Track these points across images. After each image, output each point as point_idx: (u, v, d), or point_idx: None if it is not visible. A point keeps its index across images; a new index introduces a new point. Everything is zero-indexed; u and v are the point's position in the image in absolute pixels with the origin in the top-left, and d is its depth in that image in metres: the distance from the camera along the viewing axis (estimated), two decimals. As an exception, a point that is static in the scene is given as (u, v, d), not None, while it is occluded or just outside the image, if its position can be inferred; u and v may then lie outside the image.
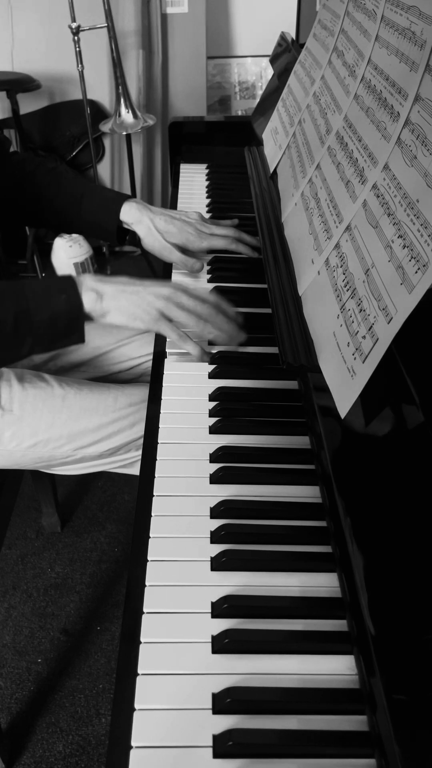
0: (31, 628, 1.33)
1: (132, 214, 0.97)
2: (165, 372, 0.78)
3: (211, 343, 0.82)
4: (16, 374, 0.93)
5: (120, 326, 0.76)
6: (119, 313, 0.75)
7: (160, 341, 0.83)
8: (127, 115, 2.16)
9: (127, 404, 0.95)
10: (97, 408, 0.93)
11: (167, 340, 0.82)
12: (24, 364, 1.05)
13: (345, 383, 0.57)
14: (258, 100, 1.56)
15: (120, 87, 2.12)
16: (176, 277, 0.99)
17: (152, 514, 0.60)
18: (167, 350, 0.81)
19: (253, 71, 2.58)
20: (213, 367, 0.79)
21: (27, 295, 0.71)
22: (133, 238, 1.03)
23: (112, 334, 1.07)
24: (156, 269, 2.26)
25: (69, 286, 0.73)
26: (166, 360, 0.80)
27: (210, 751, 0.44)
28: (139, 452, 0.80)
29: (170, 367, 0.79)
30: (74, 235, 2.21)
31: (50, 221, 1.06)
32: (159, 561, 0.56)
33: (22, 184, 1.02)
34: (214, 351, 0.81)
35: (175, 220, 0.97)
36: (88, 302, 0.73)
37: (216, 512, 0.60)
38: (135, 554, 0.57)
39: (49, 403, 0.91)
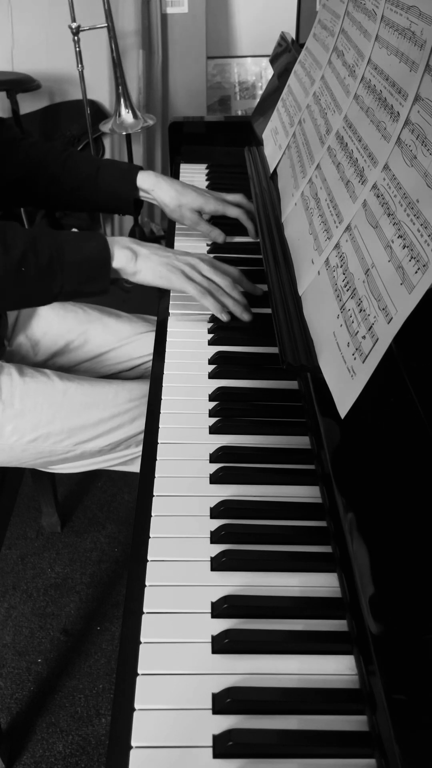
0: (31, 628, 1.33)
1: (149, 180, 1.02)
2: (165, 372, 0.78)
3: (213, 344, 0.82)
4: (17, 368, 0.93)
5: (147, 285, 0.82)
6: (150, 272, 0.81)
7: (159, 344, 0.84)
8: (127, 115, 2.16)
9: (128, 399, 0.95)
10: (97, 402, 0.93)
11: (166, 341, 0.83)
12: (26, 362, 1.05)
13: (345, 383, 0.57)
14: (258, 100, 1.56)
15: (120, 87, 2.12)
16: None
17: (152, 514, 0.60)
18: (167, 350, 0.82)
19: (253, 71, 2.58)
20: (213, 366, 0.79)
21: (63, 238, 0.78)
22: (142, 230, 1.05)
23: (113, 334, 1.08)
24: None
25: (99, 237, 0.80)
26: (166, 360, 0.80)
27: (210, 751, 0.44)
28: (139, 448, 0.81)
29: (170, 366, 0.79)
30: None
31: (66, 201, 1.09)
32: (159, 561, 0.56)
33: (36, 171, 1.03)
34: (214, 351, 0.81)
35: (190, 186, 1.04)
36: (124, 259, 0.79)
37: (216, 512, 0.60)
38: (135, 554, 0.57)
39: (50, 398, 0.92)
